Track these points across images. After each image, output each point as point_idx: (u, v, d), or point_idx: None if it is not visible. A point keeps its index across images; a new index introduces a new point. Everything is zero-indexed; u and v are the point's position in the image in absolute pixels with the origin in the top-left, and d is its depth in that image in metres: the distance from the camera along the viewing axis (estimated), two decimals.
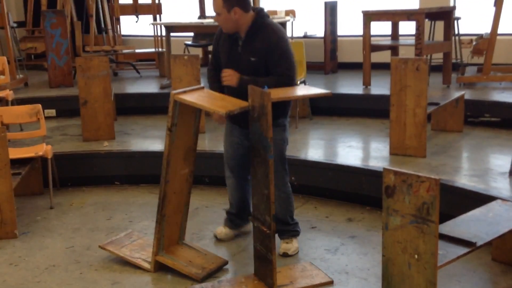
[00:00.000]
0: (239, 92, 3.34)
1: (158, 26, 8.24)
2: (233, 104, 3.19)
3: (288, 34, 7.14)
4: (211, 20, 7.63)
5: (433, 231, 2.39)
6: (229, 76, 3.47)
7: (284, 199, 3.63)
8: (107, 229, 4.20)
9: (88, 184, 5.22)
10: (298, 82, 5.83)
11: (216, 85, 3.64)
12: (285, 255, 3.62)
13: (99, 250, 3.73)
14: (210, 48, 8.48)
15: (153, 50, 8.39)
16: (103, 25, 8.68)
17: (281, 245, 3.65)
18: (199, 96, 3.27)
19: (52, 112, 6.51)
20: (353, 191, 4.52)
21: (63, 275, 3.49)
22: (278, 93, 3.12)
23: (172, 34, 7.19)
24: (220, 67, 3.62)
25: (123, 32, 8.92)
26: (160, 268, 3.47)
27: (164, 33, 7.46)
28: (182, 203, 3.57)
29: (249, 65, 3.46)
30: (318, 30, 8.06)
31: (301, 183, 4.69)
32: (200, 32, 7.98)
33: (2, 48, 7.34)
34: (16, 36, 8.44)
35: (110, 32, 8.64)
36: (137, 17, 8.59)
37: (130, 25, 9.18)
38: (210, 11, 8.66)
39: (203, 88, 3.47)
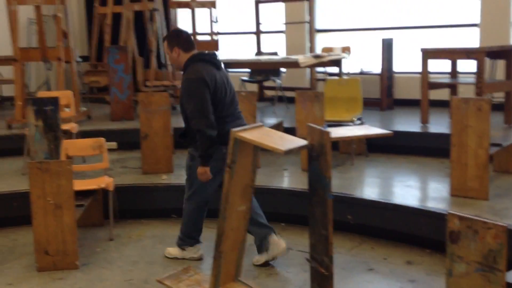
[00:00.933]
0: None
1: None
2: (292, 142, 3.21)
3: (344, 70, 7.16)
4: (268, 57, 7.76)
5: (500, 280, 2.31)
6: (201, 176, 3.97)
7: (186, 213, 4.26)
8: (165, 263, 4.26)
9: (146, 217, 5.32)
10: (354, 120, 5.83)
11: None
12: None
13: (156, 284, 3.77)
14: (265, 83, 8.60)
15: None
16: (163, 61, 8.95)
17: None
18: (259, 134, 3.31)
19: (113, 144, 6.70)
20: (412, 232, 4.42)
21: None
22: (338, 132, 3.12)
23: (229, 69, 7.34)
24: None
25: None
26: None
27: None
28: (239, 240, 3.58)
29: (181, 102, 4.02)
30: (374, 66, 8.05)
31: (357, 222, 4.64)
32: (256, 69, 8.12)
33: (67, 81, 7.65)
34: (80, 70, 8.81)
35: (170, 67, 8.89)
36: None
37: None
38: (266, 48, 8.81)
39: (262, 126, 3.51)
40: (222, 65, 4.11)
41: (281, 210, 5.09)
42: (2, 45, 8.46)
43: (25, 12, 8.21)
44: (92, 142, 5.07)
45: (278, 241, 4.09)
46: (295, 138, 3.26)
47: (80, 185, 4.68)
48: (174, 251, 4.32)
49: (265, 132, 3.40)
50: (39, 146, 5.00)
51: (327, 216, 2.97)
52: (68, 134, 5.98)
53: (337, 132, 3.12)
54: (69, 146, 5.04)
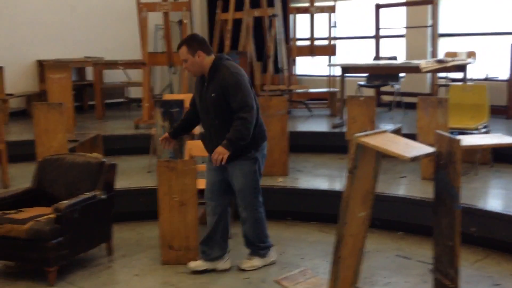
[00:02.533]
0: (209, 135, 4.00)
1: (332, 67, 8.41)
2: (418, 149, 3.13)
3: (469, 76, 6.84)
4: (387, 62, 7.61)
5: None
6: (219, 155, 3.84)
7: (252, 223, 4.09)
8: (280, 264, 4.31)
9: None
10: (480, 128, 5.56)
11: (184, 119, 4.28)
12: (239, 268, 4.14)
13: (273, 284, 3.83)
14: (383, 89, 8.44)
15: (325, 89, 8.56)
16: (280, 66, 9.08)
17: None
18: (383, 140, 3.26)
19: None
20: None
21: None
22: (468, 140, 3.00)
23: (346, 74, 7.29)
24: (196, 114, 4.15)
25: (298, 72, 9.23)
26: None
27: (338, 73, 7.60)
28: (358, 247, 3.54)
29: (211, 100, 3.90)
30: (500, 72, 7.62)
31: (481, 235, 4.41)
32: (375, 73, 7.99)
33: (192, 85, 8.00)
34: None
35: (286, 72, 9.00)
36: (312, 58, 8.86)
37: (304, 65, 9.49)
38: (385, 52, 8.64)
39: (385, 131, 3.45)
40: None
41: (398, 218, 4.97)
42: (132, 50, 9.03)
43: (153, 19, 8.69)
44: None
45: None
46: (421, 145, 3.17)
47: (203, 184, 4.86)
48: (254, 262, 4.21)
49: (389, 138, 3.34)
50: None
51: (454, 227, 2.86)
52: (190, 135, 6.24)
53: (468, 140, 2.99)
54: (193, 147, 5.24)
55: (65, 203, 3.99)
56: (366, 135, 3.30)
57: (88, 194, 4.17)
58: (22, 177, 5.66)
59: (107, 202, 4.33)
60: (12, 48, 8.51)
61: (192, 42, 3.94)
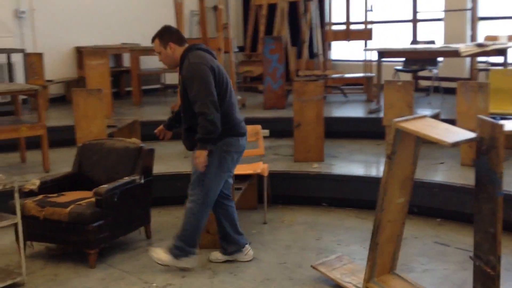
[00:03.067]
0: (184, 116, 3.86)
1: (368, 51, 8.31)
2: (459, 134, 3.08)
3: (509, 60, 6.67)
4: (425, 46, 7.48)
5: None
6: (197, 159, 3.73)
7: (186, 214, 3.88)
8: (317, 249, 4.32)
9: (297, 203, 5.42)
10: None
11: (176, 111, 4.09)
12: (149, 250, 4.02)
13: (310, 269, 3.85)
14: (420, 73, 8.30)
15: (361, 74, 8.47)
16: (315, 50, 9.01)
17: None
18: (422, 125, 3.22)
19: (266, 132, 6.87)
20: None
21: None
22: (509, 126, 2.93)
23: (383, 59, 7.19)
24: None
25: (333, 57, 9.15)
26: None
27: (374, 58, 7.50)
28: (396, 233, 3.52)
29: (181, 93, 3.83)
30: None
31: None
32: (412, 58, 7.86)
33: (227, 71, 8.01)
34: (236, 60, 9.16)
35: (321, 57, 8.93)
36: (348, 42, 8.76)
37: (339, 50, 9.40)
38: (422, 36, 8.49)
39: (424, 117, 3.40)
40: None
41: (436, 205, 4.91)
42: None
43: (188, 5, 8.71)
44: (249, 129, 5.18)
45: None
46: (461, 130, 3.12)
47: (238, 169, 4.88)
48: (164, 256, 3.94)
49: (428, 123, 3.29)
50: None
51: (496, 214, 2.81)
52: None
53: (510, 126, 2.92)
54: None
55: (105, 187, 4.07)
56: (405, 120, 3.26)
57: (127, 179, 4.24)
58: (62, 162, 5.78)
59: (145, 187, 4.39)
60: (52, 35, 8.67)
61: (164, 35, 3.87)
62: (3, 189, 3.69)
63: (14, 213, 3.76)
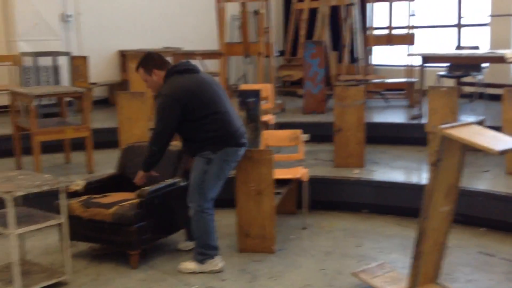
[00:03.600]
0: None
1: (410, 56, 8.19)
2: (507, 142, 3.00)
3: None
4: (469, 51, 7.34)
5: None
6: (137, 176, 4.15)
7: (194, 223, 3.99)
8: (357, 257, 4.28)
9: (336, 209, 5.39)
10: None
11: None
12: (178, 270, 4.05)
13: (350, 276, 3.81)
14: (464, 79, 8.14)
15: (403, 80, 8.36)
16: (356, 55, 8.94)
17: None
18: (469, 132, 3.15)
19: (306, 136, 6.85)
20: None
21: None
22: None
23: (426, 64, 7.08)
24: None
25: (374, 62, 9.07)
26: None
27: (416, 63, 7.40)
28: (440, 242, 3.46)
29: None
30: None
31: None
32: (455, 63, 7.72)
33: (266, 75, 8.03)
34: (275, 64, 9.18)
35: (362, 61, 8.86)
36: (390, 47, 8.67)
37: (381, 55, 9.31)
38: (467, 41, 8.34)
39: (471, 124, 3.33)
40: (200, 68, 4.14)
41: (480, 214, 4.80)
42: (209, 40, 9.18)
43: (229, 9, 8.78)
44: (289, 134, 5.27)
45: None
46: (509, 138, 3.04)
47: (278, 174, 4.88)
48: (189, 265, 4.06)
49: (475, 130, 3.22)
50: None
51: None
52: (265, 125, 6.28)
53: None
54: (268, 137, 5.28)
55: (147, 189, 4.12)
56: (451, 127, 3.20)
57: (169, 181, 4.29)
58: (105, 163, 5.90)
59: (186, 189, 4.42)
60: (96, 38, 8.86)
61: (147, 62, 3.98)
62: (50, 189, 3.78)
63: (59, 212, 3.85)
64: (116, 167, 4.76)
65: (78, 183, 4.40)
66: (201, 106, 3.89)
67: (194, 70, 4.02)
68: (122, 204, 4.12)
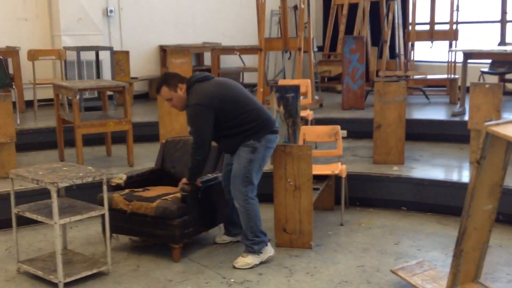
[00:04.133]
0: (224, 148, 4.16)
1: (453, 52, 8.04)
2: None
3: None
4: None
5: None
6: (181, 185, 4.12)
7: (244, 213, 4.00)
8: (396, 254, 4.24)
9: (375, 206, 5.34)
10: None
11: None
12: (233, 266, 4.01)
13: (389, 273, 3.78)
14: (508, 76, 7.94)
15: (445, 76, 8.21)
16: (396, 51, 8.82)
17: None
18: None
19: (344, 133, 6.82)
20: None
21: None
22: None
23: (468, 60, 6.93)
24: None
25: (416, 58, 8.93)
26: None
27: (458, 60, 7.25)
28: (482, 240, 3.39)
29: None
30: None
31: None
32: (499, 60, 7.54)
33: (305, 71, 8.00)
34: (314, 60, 9.13)
35: (403, 57, 8.73)
36: (432, 43, 8.52)
37: (423, 51, 9.16)
38: (511, 37, 8.12)
39: None
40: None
41: None
42: (248, 36, 9.21)
43: (268, 5, 8.77)
44: (328, 129, 5.24)
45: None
46: None
47: (317, 169, 4.87)
48: (247, 259, 4.06)
49: None
50: (280, 130, 5.31)
51: None
52: (303, 121, 6.26)
53: None
54: (307, 132, 5.27)
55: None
56: (497, 124, 3.13)
57: (210, 176, 4.32)
58: (144, 157, 6.00)
59: None
60: (137, 34, 8.99)
61: (169, 80, 4.01)
62: (93, 181, 3.86)
63: (101, 204, 3.93)
64: (156, 161, 4.82)
65: (120, 177, 4.48)
66: (232, 107, 3.96)
67: (211, 76, 4.11)
68: (164, 198, 4.17)
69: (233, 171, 4.04)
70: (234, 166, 4.04)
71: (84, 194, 4.49)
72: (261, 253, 4.07)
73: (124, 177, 4.47)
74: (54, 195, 3.59)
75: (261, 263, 4.07)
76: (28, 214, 3.86)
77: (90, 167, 4.02)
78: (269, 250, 4.12)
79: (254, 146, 3.98)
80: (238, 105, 3.99)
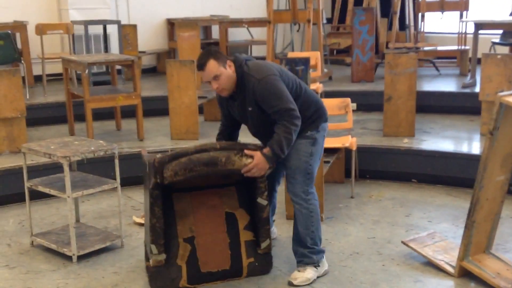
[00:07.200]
0: (265, 136, 3.38)
1: (463, 23, 7.93)
2: None
3: None
4: None
5: None
6: (256, 167, 3.31)
7: (305, 215, 3.42)
8: (406, 226, 4.25)
9: (385, 178, 5.34)
10: None
11: (221, 135, 3.68)
12: (289, 283, 3.39)
13: (400, 245, 3.80)
14: None
15: (455, 47, 8.12)
16: (406, 22, 8.71)
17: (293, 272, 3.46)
18: None
19: (353, 106, 6.77)
20: None
21: (367, 264, 3.65)
22: None
23: (480, 31, 6.85)
24: (233, 125, 3.65)
25: (426, 29, 8.82)
26: (463, 274, 3.37)
27: (470, 31, 7.15)
28: (494, 211, 3.40)
29: (252, 114, 3.39)
30: None
31: None
32: (510, 30, 7.43)
33: (314, 43, 7.92)
34: (323, 32, 9.04)
35: (413, 29, 8.63)
36: (442, 13, 8.40)
37: (433, 22, 9.04)
38: None
39: None
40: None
41: None
42: (256, 8, 9.11)
43: None
44: (338, 102, 5.21)
45: None
46: None
47: (327, 142, 4.82)
48: (307, 274, 3.43)
49: None
50: None
51: None
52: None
53: None
54: None
55: None
56: (510, 95, 3.11)
57: None
58: (155, 131, 6.01)
59: None
60: (144, 7, 8.91)
61: (218, 55, 3.33)
62: (104, 155, 3.88)
63: (114, 178, 3.95)
64: None
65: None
66: (292, 85, 3.40)
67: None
68: None
69: (290, 168, 3.43)
70: (292, 162, 3.41)
71: (94, 168, 4.51)
72: (319, 265, 3.48)
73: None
74: (66, 169, 3.61)
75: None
76: (41, 188, 3.88)
77: (101, 141, 4.03)
78: (325, 263, 3.55)
79: (314, 137, 3.43)
80: (296, 84, 3.43)
